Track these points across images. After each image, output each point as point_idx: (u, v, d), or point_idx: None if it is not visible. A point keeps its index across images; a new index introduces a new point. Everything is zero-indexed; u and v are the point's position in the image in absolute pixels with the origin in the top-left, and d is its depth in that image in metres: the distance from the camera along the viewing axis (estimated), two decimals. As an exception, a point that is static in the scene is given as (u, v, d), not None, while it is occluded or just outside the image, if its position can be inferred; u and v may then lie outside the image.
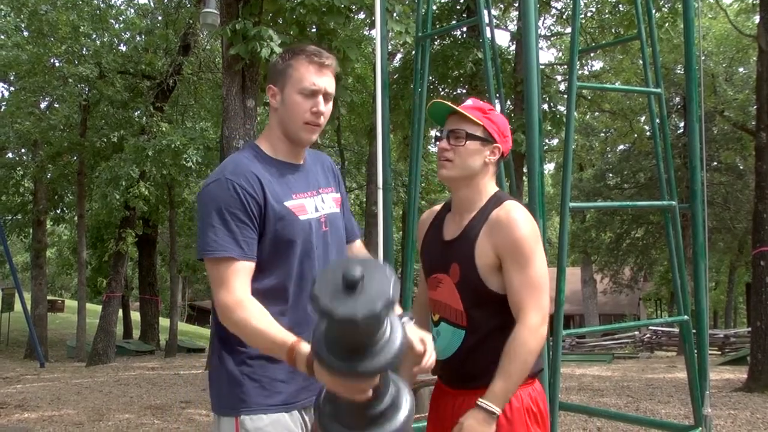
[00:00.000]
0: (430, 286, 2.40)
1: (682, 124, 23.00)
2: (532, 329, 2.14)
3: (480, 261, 2.23)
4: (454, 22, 14.31)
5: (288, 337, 1.89)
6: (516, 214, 2.22)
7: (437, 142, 2.34)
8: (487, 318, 2.25)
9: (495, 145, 2.31)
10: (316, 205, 2.20)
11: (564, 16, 18.62)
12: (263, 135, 2.23)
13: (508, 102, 13.11)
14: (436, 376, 2.48)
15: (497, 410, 2.10)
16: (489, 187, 2.34)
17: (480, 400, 2.11)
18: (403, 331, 1.61)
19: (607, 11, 16.80)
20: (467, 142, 2.27)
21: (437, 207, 2.52)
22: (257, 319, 1.94)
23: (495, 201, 2.30)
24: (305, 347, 1.82)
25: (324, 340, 1.60)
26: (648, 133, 23.58)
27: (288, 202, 2.10)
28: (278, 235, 2.07)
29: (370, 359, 1.55)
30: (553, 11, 19.09)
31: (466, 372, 2.29)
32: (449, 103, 2.33)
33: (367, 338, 1.54)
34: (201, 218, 2.06)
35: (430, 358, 2.06)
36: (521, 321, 2.15)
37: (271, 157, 2.17)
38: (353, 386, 1.62)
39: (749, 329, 14.42)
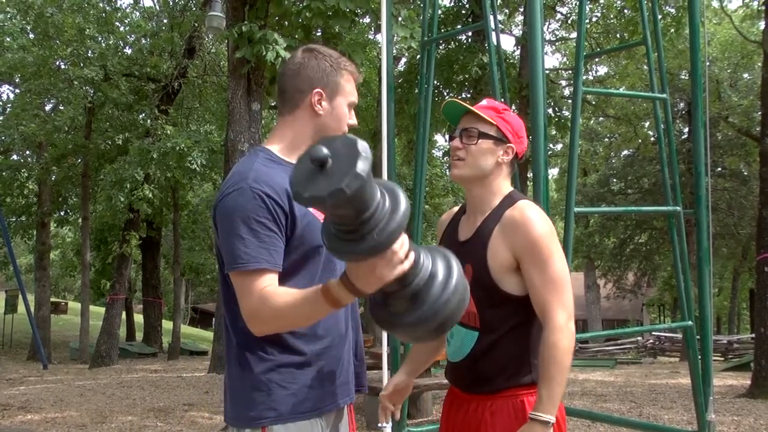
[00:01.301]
0: None
1: (686, 130, 22.97)
2: (561, 329, 2.10)
3: (493, 262, 2.20)
4: (459, 26, 14.33)
5: (316, 286, 1.86)
6: (531, 213, 2.19)
7: (450, 142, 2.32)
8: (500, 319, 2.22)
9: (509, 145, 2.29)
10: None
11: (569, 21, 18.64)
12: (277, 137, 2.19)
13: (513, 106, 13.12)
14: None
15: (551, 419, 2.04)
16: (503, 187, 2.32)
17: (531, 413, 2.06)
18: (405, 198, 1.64)
19: (612, 16, 16.80)
20: (479, 140, 2.26)
21: (456, 209, 2.50)
22: (283, 296, 1.89)
23: (508, 201, 2.28)
24: (334, 280, 1.81)
25: (330, 235, 1.66)
26: (652, 139, 23.57)
27: (311, 207, 2.05)
28: (305, 241, 2.03)
29: (377, 231, 1.58)
30: (559, 16, 19.12)
31: (479, 375, 2.25)
32: (463, 103, 2.31)
33: (356, 212, 1.56)
34: (226, 231, 1.99)
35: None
36: (548, 322, 2.11)
37: (286, 160, 2.14)
38: (384, 262, 1.68)
39: (752, 335, 14.39)
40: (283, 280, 2.01)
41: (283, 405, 2.00)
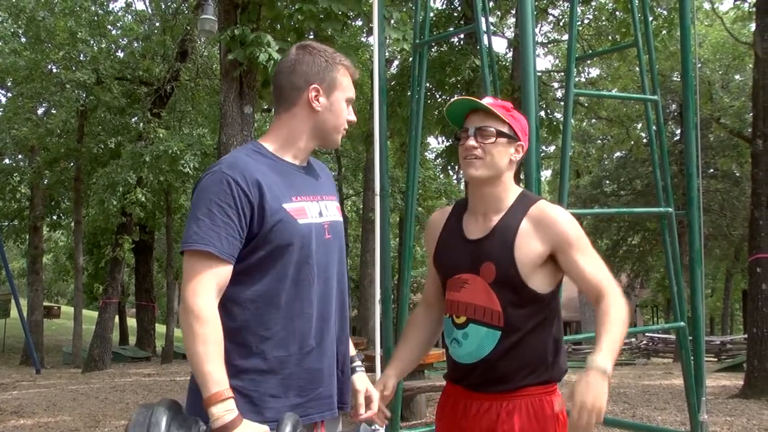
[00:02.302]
0: (451, 288, 2.32)
1: (678, 131, 23.04)
2: (621, 298, 2.17)
3: (522, 258, 2.19)
4: (451, 29, 14.33)
5: (225, 380, 1.85)
6: (559, 210, 2.29)
7: (460, 141, 2.28)
8: (525, 318, 2.21)
9: (519, 143, 2.30)
10: (320, 210, 2.12)
11: (561, 23, 18.65)
12: (272, 133, 2.15)
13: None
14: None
15: (610, 370, 2.02)
16: (513, 185, 2.33)
17: (593, 360, 2.01)
18: None
19: (604, 18, 16.83)
20: (497, 139, 2.24)
21: (448, 208, 2.47)
22: (210, 342, 1.86)
23: (526, 199, 2.30)
24: (233, 404, 1.84)
25: None
26: (645, 140, 23.61)
27: (287, 204, 2.01)
28: (273, 237, 1.97)
29: None
30: (551, 18, 19.13)
31: (498, 374, 2.21)
32: (476, 100, 2.27)
33: None
34: (191, 211, 1.98)
35: (370, 411, 2.24)
36: (610, 293, 2.17)
37: (276, 156, 2.10)
38: None
39: (745, 336, 14.42)
40: (250, 277, 1.98)
41: (245, 414, 1.90)
